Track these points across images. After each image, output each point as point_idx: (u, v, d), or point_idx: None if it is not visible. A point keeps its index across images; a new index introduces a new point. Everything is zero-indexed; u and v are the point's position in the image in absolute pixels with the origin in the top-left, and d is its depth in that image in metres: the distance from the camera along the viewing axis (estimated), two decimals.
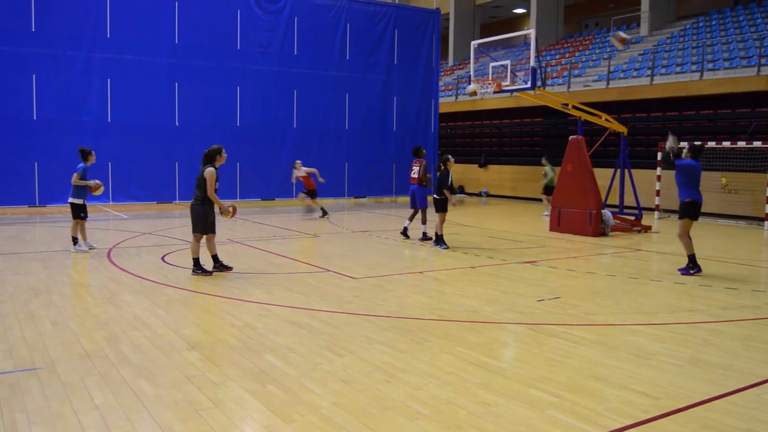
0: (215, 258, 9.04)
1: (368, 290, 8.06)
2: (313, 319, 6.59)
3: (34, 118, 18.10)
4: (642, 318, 6.84)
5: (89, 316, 6.63)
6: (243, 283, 8.41)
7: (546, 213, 18.17)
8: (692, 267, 9.40)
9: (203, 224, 8.80)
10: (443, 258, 10.80)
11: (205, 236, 8.89)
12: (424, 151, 12.72)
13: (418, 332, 6.13)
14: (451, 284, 8.51)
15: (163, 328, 6.15)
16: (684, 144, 9.61)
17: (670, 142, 9.68)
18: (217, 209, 8.88)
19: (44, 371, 4.92)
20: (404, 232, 12.76)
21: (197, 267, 8.84)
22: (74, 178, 10.48)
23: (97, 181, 10.79)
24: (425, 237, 12.41)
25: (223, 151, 8.89)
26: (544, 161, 18.11)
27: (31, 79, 17.98)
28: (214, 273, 8.91)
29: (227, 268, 9.07)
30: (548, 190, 17.59)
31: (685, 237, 9.39)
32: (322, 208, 16.67)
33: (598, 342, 5.92)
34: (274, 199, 21.73)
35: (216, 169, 8.76)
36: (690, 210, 9.33)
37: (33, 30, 17.92)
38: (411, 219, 12.82)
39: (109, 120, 19.00)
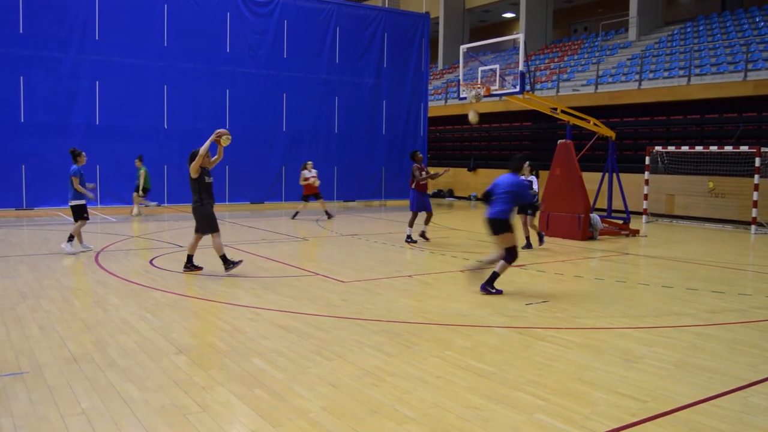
0: (224, 257, 9.09)
1: (357, 294, 8.06)
2: (302, 322, 6.58)
3: (22, 120, 17.96)
4: (629, 321, 6.88)
5: (76, 319, 6.59)
6: (231, 286, 8.39)
7: (138, 209, 17.93)
8: None
9: (212, 222, 9.00)
10: (432, 261, 10.82)
11: (211, 234, 9.03)
12: None
13: (406, 336, 6.14)
14: (440, 288, 8.52)
15: (150, 332, 6.12)
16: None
17: None
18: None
19: (31, 375, 4.89)
20: (423, 235, 13.06)
21: (228, 262, 9.03)
22: (75, 183, 10.62)
23: (92, 185, 11.01)
24: (423, 236, 13.06)
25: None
26: (137, 163, 17.75)
27: (18, 81, 17.84)
28: (226, 273, 9.07)
29: (236, 264, 9.16)
30: (143, 190, 17.97)
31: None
32: (326, 211, 17.56)
33: (585, 345, 5.95)
34: (263, 203, 21.67)
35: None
36: None
37: (21, 32, 17.79)
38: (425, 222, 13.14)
39: (97, 123, 18.88)
